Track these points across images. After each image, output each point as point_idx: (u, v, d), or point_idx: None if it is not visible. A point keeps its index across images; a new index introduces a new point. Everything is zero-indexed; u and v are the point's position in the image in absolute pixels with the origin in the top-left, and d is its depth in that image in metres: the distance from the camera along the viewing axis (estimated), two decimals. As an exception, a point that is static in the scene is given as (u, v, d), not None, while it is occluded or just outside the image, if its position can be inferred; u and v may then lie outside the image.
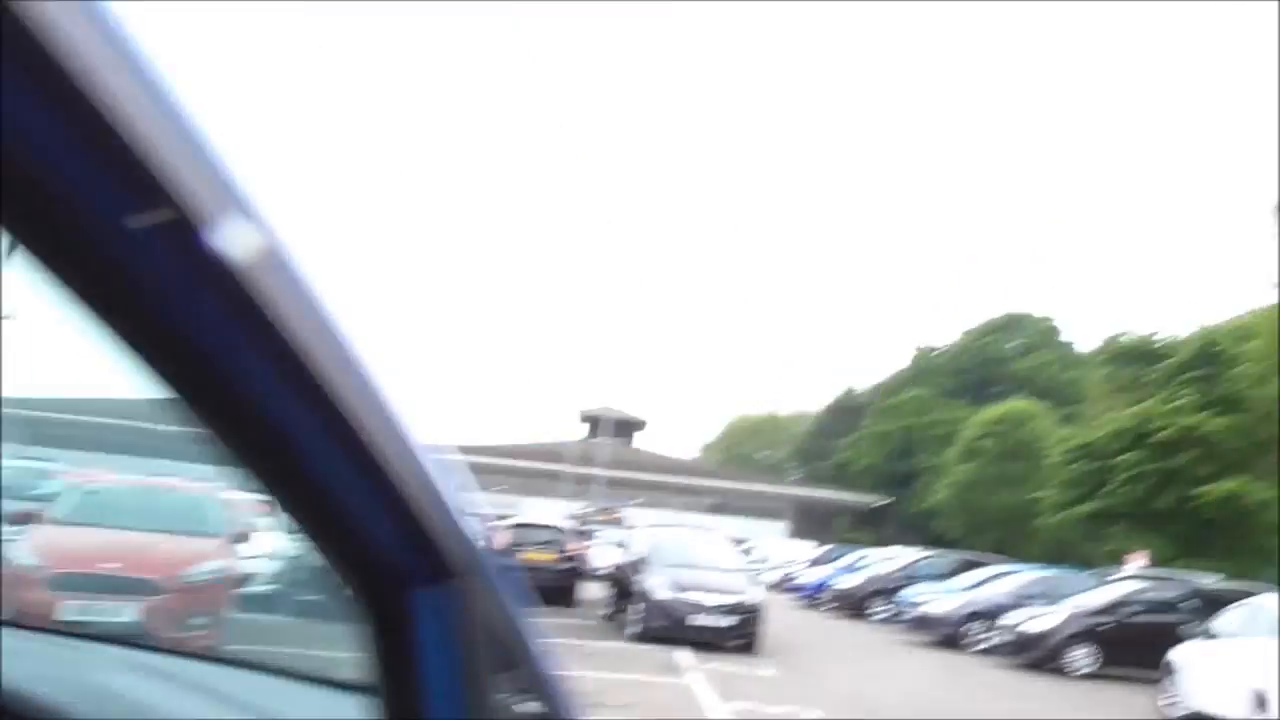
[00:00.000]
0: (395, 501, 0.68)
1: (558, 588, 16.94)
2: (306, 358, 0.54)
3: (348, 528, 0.71)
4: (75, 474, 14.22)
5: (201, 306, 0.50)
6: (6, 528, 10.75)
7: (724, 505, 55.74)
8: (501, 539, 18.10)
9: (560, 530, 19.17)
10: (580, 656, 11.63)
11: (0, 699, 0.93)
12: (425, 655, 0.76)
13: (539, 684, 0.96)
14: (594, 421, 45.82)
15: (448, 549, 0.74)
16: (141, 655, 1.45)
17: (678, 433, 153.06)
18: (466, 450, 57.28)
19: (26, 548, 8.67)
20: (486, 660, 0.81)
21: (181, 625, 7.53)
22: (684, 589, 13.10)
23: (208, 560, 8.10)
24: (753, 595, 13.44)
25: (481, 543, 0.80)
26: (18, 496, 12.75)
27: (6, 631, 1.23)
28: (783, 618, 19.58)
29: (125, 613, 7.62)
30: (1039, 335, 52.37)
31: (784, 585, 28.35)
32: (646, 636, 12.94)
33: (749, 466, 68.88)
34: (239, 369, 0.55)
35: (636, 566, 14.15)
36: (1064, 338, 52.42)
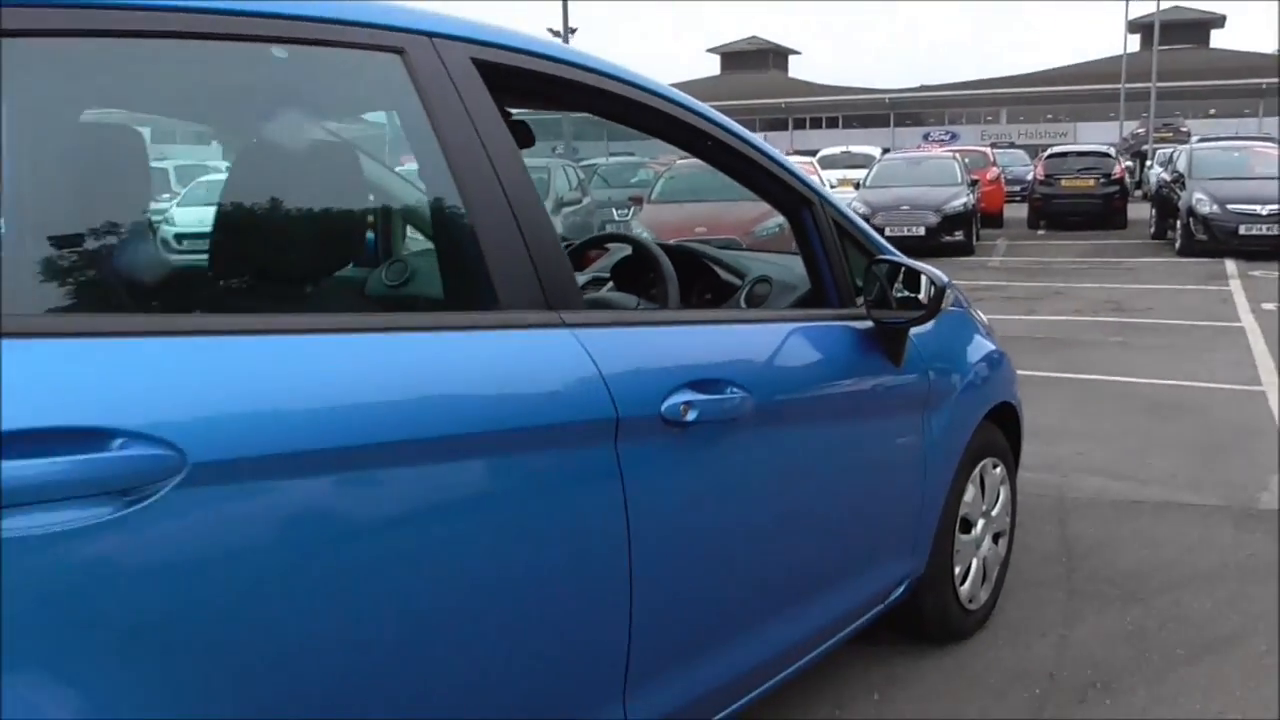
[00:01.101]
0: (769, 176, 2.14)
1: (1103, 212, 17.29)
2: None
3: (765, 189, 2.19)
4: (653, 163, 17.37)
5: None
6: (618, 211, 13.98)
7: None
8: (1039, 169, 18.44)
9: (1105, 155, 18.85)
10: (1122, 271, 12.27)
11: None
12: (812, 237, 2.22)
13: (875, 247, 2.38)
14: (1149, 28, 41.00)
15: (800, 191, 2.18)
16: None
17: (1265, 26, 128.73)
18: (1007, 82, 54.00)
19: (641, 222, 11.50)
20: (836, 242, 2.24)
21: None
22: (1229, 201, 12.82)
23: (769, 219, 10.19)
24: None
25: (819, 186, 2.21)
26: (622, 185, 16.08)
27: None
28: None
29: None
30: None
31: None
32: (1192, 250, 13.04)
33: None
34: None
35: (1181, 183, 13.94)
36: None
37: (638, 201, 12.72)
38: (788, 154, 24.89)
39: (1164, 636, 2.92)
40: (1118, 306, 9.45)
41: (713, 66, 64.82)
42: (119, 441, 1.05)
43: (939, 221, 14.15)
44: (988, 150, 21.90)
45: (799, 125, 55.20)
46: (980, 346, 2.83)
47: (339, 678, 1.25)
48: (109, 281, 1.29)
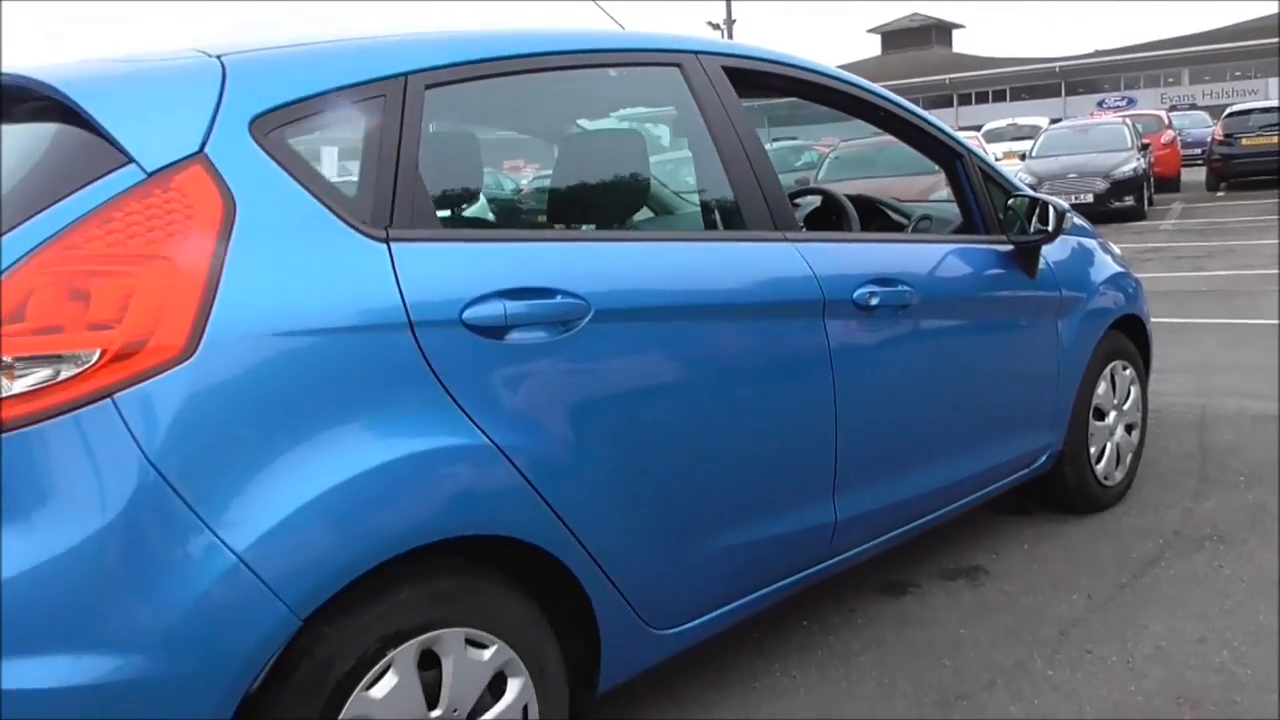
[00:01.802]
0: (929, 136, 2.89)
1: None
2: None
3: (925, 147, 2.94)
4: (816, 146, 17.95)
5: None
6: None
7: None
8: (1218, 130, 17.99)
9: (1290, 111, 18.24)
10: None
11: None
12: (962, 181, 2.95)
13: (1012, 187, 3.07)
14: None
15: (952, 146, 2.92)
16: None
17: None
18: (1187, 41, 51.05)
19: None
20: (982, 184, 2.96)
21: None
22: None
23: (936, 189, 10.72)
24: None
25: (968, 146, 2.92)
26: (787, 169, 16.72)
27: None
28: None
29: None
30: None
31: None
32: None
33: None
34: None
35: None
36: None
37: (807, 182, 13.37)
38: (955, 130, 26.03)
39: (1280, 508, 3.48)
40: (1293, 259, 9.50)
41: (874, 47, 64.28)
42: (559, 296, 1.91)
43: (1108, 187, 14.19)
44: (1161, 114, 21.38)
45: (964, 101, 54.08)
46: (1106, 269, 3.46)
47: (670, 442, 2.08)
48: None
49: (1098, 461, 3.47)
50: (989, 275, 2.93)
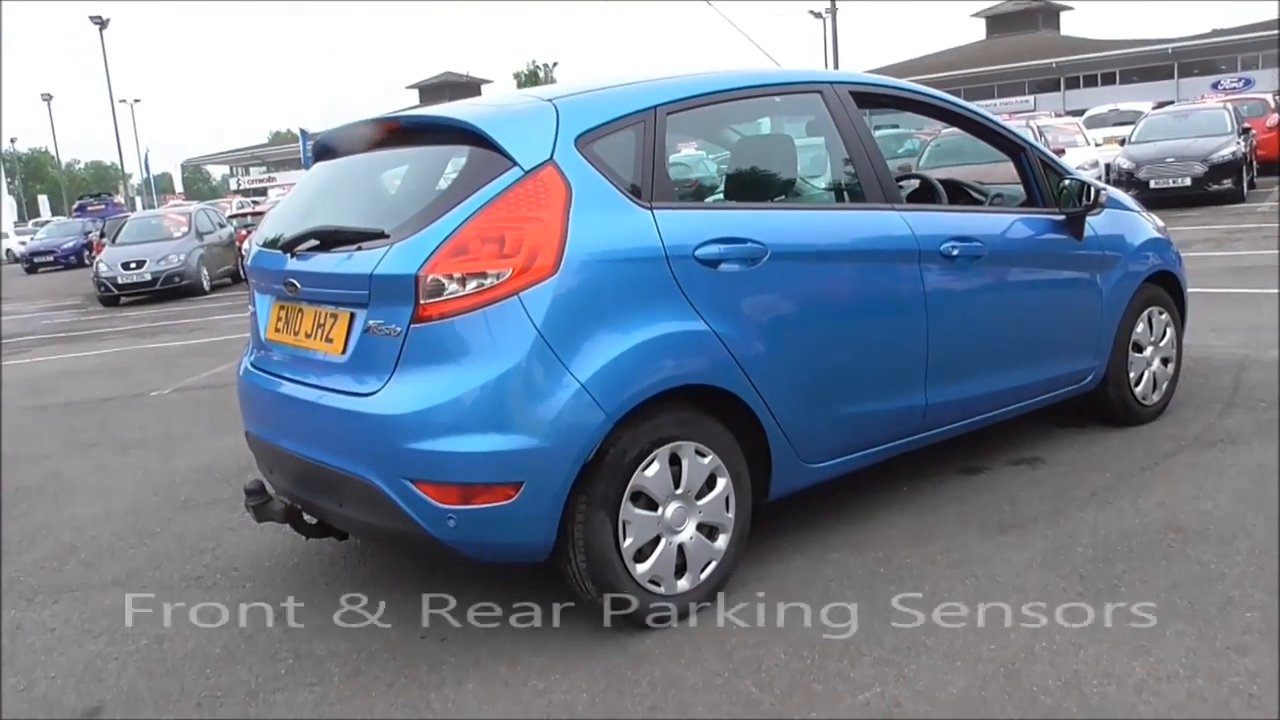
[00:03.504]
0: (998, 135, 4.00)
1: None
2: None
3: (997, 143, 4.04)
4: (918, 134, 18.79)
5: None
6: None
7: None
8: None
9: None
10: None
11: None
12: (1026, 168, 4.03)
13: (1065, 172, 4.12)
14: None
15: (1016, 142, 4.01)
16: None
17: None
18: None
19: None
20: (1041, 170, 4.04)
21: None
22: None
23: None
24: None
25: (1029, 141, 3.98)
26: (890, 156, 17.57)
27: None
28: None
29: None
30: None
31: None
32: None
33: None
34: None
35: None
36: None
37: (906, 169, 14.27)
38: (1057, 115, 25.84)
39: (1285, 423, 4.42)
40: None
41: (979, 31, 63.78)
42: (749, 243, 3.07)
43: (1206, 171, 14.72)
44: (1268, 97, 21.47)
45: (1071, 85, 53.42)
46: (1143, 233, 4.47)
47: (824, 342, 3.22)
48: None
49: (1136, 384, 4.47)
50: (1044, 237, 3.99)
